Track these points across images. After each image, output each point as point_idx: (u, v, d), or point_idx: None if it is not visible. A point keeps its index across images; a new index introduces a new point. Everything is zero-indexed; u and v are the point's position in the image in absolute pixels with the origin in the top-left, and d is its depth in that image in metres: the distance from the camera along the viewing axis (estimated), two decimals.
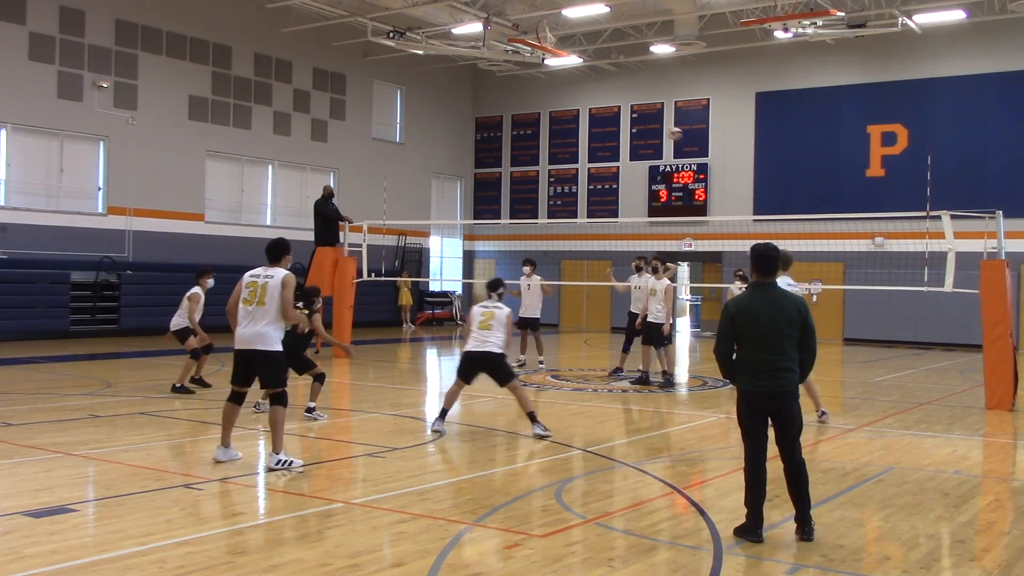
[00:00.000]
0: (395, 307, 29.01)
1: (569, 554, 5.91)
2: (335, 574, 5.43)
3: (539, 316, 17.74)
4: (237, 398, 8.45)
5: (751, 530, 6.27)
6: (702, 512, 6.98)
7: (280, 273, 8.21)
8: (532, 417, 10.16)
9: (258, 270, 8.32)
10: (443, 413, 10.40)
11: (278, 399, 8.25)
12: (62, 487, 7.42)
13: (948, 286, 13.98)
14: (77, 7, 22.74)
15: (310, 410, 10.98)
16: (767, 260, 6.39)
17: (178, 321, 13.25)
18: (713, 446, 9.98)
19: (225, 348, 9.68)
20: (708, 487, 8.02)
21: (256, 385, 8.54)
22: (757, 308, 6.29)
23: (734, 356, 6.43)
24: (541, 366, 17.39)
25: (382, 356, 20.52)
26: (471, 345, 10.22)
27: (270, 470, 8.03)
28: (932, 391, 15.50)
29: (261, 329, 8.13)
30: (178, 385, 13.05)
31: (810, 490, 6.37)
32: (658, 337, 14.77)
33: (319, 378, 10.95)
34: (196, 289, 13.23)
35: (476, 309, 10.38)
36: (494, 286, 10.74)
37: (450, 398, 10.39)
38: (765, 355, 6.24)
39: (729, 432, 11.09)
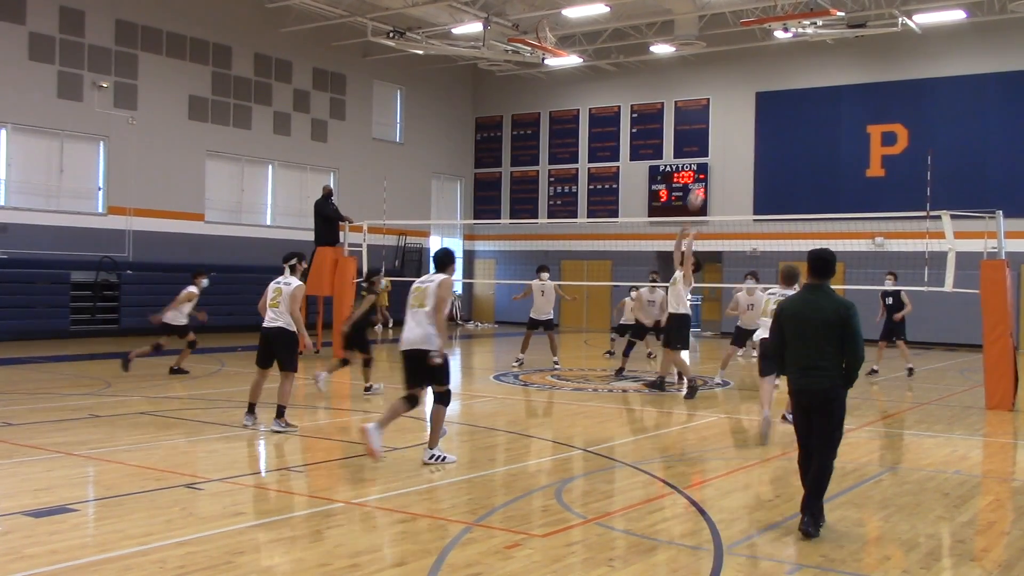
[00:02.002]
0: (384, 306, 28.35)
1: (569, 554, 5.91)
2: (335, 574, 5.43)
3: (552, 317, 18.24)
4: (412, 400, 8.65)
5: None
6: (702, 512, 6.98)
7: (439, 277, 8.64)
8: (279, 411, 10.13)
9: (425, 276, 8.85)
10: (251, 407, 10.29)
11: (441, 398, 8.59)
12: (62, 487, 7.42)
13: (948, 286, 13.97)
14: (77, 7, 22.75)
15: (369, 388, 13.10)
16: (821, 263, 6.68)
17: (181, 316, 15.37)
18: (713, 446, 9.98)
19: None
20: (708, 487, 8.02)
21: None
22: (799, 308, 6.63)
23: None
24: (557, 367, 17.56)
25: (381, 356, 20.52)
26: (265, 321, 10.33)
27: (425, 464, 8.43)
28: (932, 391, 15.50)
29: (425, 330, 8.45)
30: (175, 368, 15.21)
31: (823, 492, 6.48)
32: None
33: (367, 362, 13.13)
34: (194, 288, 15.44)
35: (271, 286, 10.43)
36: (287, 258, 10.66)
37: (254, 390, 10.33)
38: (800, 353, 6.54)
39: (729, 432, 11.09)
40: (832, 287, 6.72)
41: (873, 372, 16.78)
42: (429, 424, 8.77)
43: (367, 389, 13.27)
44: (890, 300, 17.01)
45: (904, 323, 17.03)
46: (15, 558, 5.54)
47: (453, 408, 12.33)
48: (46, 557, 5.57)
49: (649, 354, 19.50)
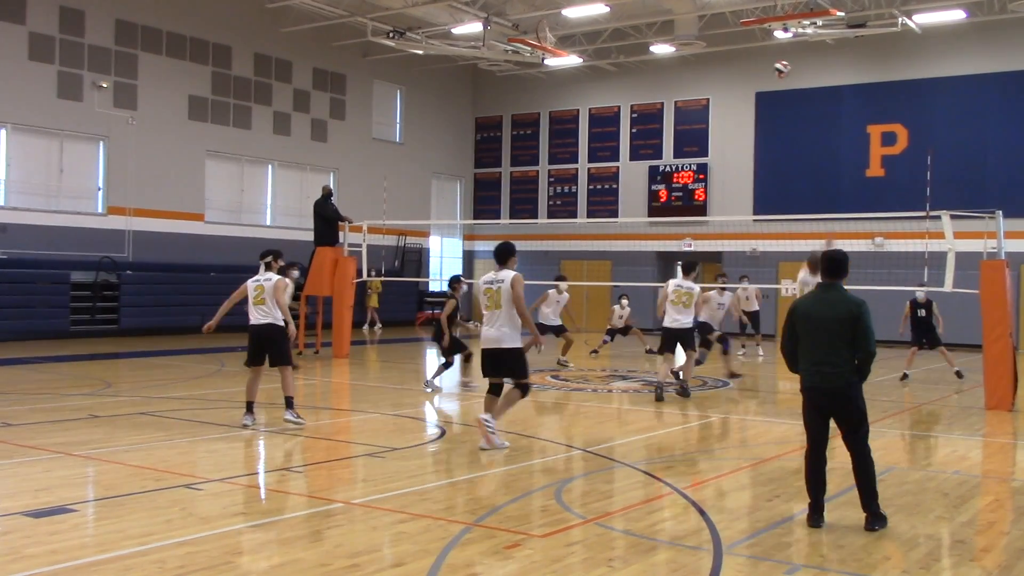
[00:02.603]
0: (373, 307, 27.65)
1: (569, 554, 5.90)
2: (335, 574, 5.43)
3: (560, 323, 18.35)
4: (495, 389, 9.46)
5: (810, 516, 6.62)
6: (702, 512, 6.98)
7: (509, 275, 9.12)
8: (288, 402, 10.37)
9: (489, 275, 9.32)
10: (248, 407, 10.36)
11: (520, 387, 9.27)
12: (62, 487, 7.42)
13: (948, 286, 13.97)
14: (77, 7, 22.75)
15: (466, 384, 13.87)
16: (832, 263, 6.84)
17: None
18: (713, 446, 9.98)
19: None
20: (708, 487, 8.01)
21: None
22: (812, 307, 6.74)
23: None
24: (568, 366, 17.72)
25: (381, 356, 20.54)
26: (252, 320, 10.44)
27: (482, 422, 9.17)
28: (932, 391, 15.50)
29: (504, 329, 9.13)
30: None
31: (875, 486, 6.63)
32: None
33: (467, 358, 14.03)
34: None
35: (249, 284, 10.51)
36: (263, 255, 10.80)
37: (250, 389, 10.39)
38: (812, 351, 6.64)
39: (729, 432, 11.10)
40: (844, 287, 6.81)
41: (905, 377, 16.55)
42: (503, 399, 9.34)
43: (466, 385, 14.13)
44: (922, 312, 16.60)
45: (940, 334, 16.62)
46: (15, 558, 5.54)
47: (453, 408, 12.29)
48: (46, 557, 5.56)
49: (648, 351, 19.58)
